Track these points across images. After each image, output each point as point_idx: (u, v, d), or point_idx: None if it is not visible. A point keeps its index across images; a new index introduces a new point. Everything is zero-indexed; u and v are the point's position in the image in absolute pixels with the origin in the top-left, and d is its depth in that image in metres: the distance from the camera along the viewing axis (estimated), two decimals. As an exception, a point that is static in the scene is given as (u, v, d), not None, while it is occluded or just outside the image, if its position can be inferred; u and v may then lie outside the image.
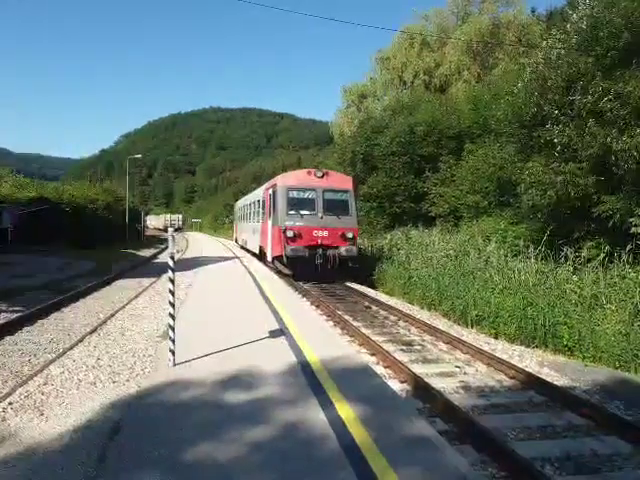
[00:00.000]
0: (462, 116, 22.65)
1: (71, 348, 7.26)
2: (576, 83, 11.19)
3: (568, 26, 12.15)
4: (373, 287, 16.26)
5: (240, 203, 32.17)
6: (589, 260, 10.40)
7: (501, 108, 15.28)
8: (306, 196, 15.64)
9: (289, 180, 16.26)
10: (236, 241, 35.09)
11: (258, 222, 20.23)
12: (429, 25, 33.92)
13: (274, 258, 16.18)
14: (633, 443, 4.57)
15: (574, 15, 12.06)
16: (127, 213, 39.27)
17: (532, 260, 11.45)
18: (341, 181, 16.56)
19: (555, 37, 12.65)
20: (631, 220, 9.91)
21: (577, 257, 10.63)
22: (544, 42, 13.47)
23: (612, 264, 9.83)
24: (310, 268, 14.97)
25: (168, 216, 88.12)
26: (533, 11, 33.46)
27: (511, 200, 15.95)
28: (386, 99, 34.62)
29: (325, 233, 15.16)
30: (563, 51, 12.03)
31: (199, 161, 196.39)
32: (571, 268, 10.43)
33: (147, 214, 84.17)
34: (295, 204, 15.55)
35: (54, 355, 6.89)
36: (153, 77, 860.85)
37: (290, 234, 14.85)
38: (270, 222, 16.62)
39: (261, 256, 19.85)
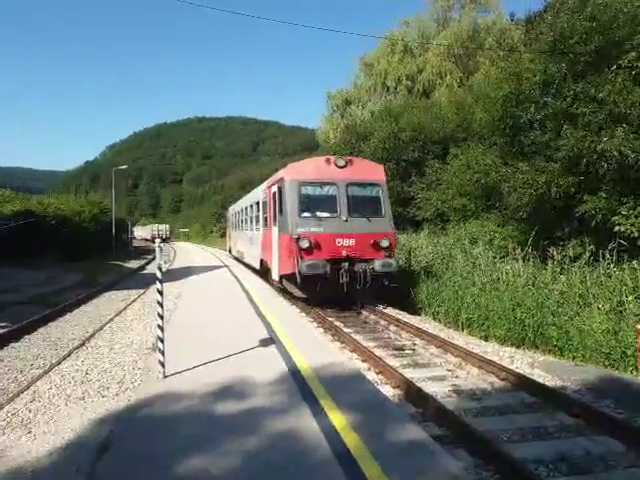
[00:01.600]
0: (446, 120, 22.84)
1: (59, 363, 7.17)
2: (550, 87, 11.45)
3: (542, 33, 12.43)
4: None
5: (234, 207, 27.54)
6: (575, 259, 10.53)
7: (483, 115, 15.48)
8: (324, 192, 11.91)
9: (301, 172, 12.13)
10: (230, 252, 31.28)
11: (258, 229, 16.35)
12: (411, 31, 34.20)
13: (282, 277, 12.34)
14: (625, 442, 4.60)
15: (546, 20, 12.36)
16: (114, 224, 38.94)
17: (519, 261, 11.55)
18: (370, 171, 12.60)
19: (530, 45, 12.95)
20: (614, 219, 10.07)
21: (563, 257, 10.75)
22: (522, 48, 13.75)
23: (597, 263, 9.96)
24: (332, 289, 11.24)
25: (155, 226, 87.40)
26: (512, 16, 33.94)
27: (497, 204, 16.10)
28: (370, 105, 34.80)
29: (351, 242, 11.43)
30: (538, 58, 12.31)
31: (185, 170, 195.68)
32: (558, 268, 10.55)
33: (134, 225, 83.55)
34: (310, 204, 11.79)
35: (41, 371, 6.79)
36: (137, 88, 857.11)
37: (305, 244, 11.13)
38: (276, 229, 12.77)
39: (263, 272, 15.94)
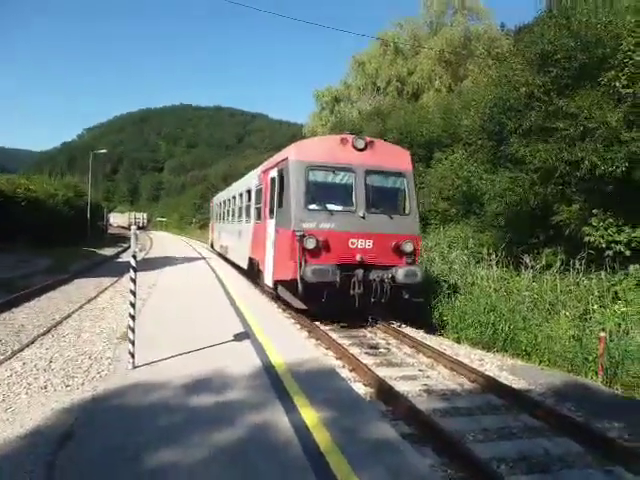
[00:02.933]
0: (433, 125, 23.03)
1: (21, 350, 6.94)
2: (532, 101, 11.66)
3: (529, 46, 12.65)
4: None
5: (220, 197, 24.75)
6: (548, 267, 10.79)
7: (470, 121, 15.69)
8: (338, 180, 9.65)
9: (309, 152, 9.75)
10: (212, 246, 28.44)
11: (249, 222, 14.00)
12: (403, 33, 34.37)
13: (278, 282, 10.21)
14: (583, 443, 4.75)
15: (535, 35, 12.57)
16: (89, 210, 38.10)
17: (494, 267, 11.75)
18: (394, 156, 10.25)
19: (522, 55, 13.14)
20: (584, 229, 10.36)
21: (537, 264, 10.99)
22: (508, 62, 13.94)
23: (568, 272, 10.24)
24: (340, 301, 9.12)
25: (132, 214, 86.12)
26: (502, 26, 34.38)
27: (477, 210, 16.34)
28: (360, 103, 34.90)
29: (369, 243, 9.32)
30: (523, 72, 12.52)
31: (167, 158, 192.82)
32: (530, 275, 10.78)
33: (111, 211, 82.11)
34: (319, 193, 9.55)
35: (1, 357, 6.56)
36: (122, 70, 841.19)
37: (311, 244, 8.95)
38: (272, 222, 10.59)
39: (252, 273, 13.61)
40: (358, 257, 9.18)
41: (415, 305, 10.05)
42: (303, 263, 8.86)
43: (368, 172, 9.67)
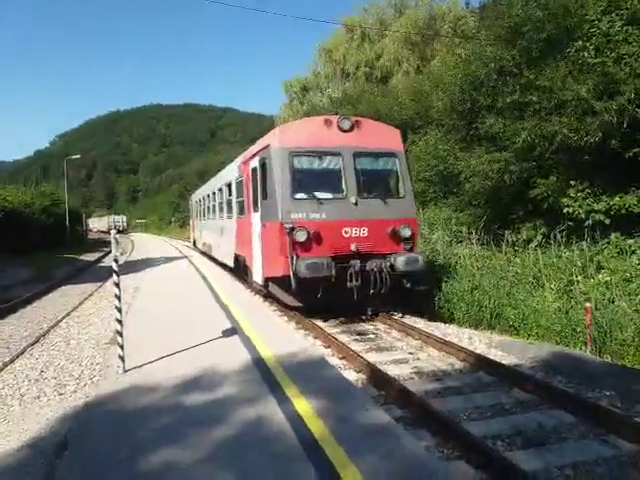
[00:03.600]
0: (404, 107, 23.07)
1: (11, 362, 6.89)
2: (505, 76, 11.75)
3: (497, 19, 12.72)
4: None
5: (199, 193, 24.03)
6: (529, 242, 10.95)
7: (442, 100, 15.74)
8: (325, 165, 9.06)
9: (292, 137, 9.06)
10: (194, 244, 27.80)
11: (231, 217, 13.40)
12: (369, 17, 34.23)
13: (268, 279, 9.66)
14: (575, 414, 4.84)
15: (501, 8, 12.65)
16: (67, 216, 37.49)
17: (475, 245, 11.89)
18: (384, 136, 9.64)
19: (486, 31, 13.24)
20: (563, 200, 10.51)
21: (517, 240, 11.15)
22: (476, 37, 14.04)
23: (549, 245, 10.39)
24: (337, 295, 8.58)
25: (112, 217, 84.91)
26: (467, 4, 34.56)
27: (454, 189, 16.47)
28: (329, 91, 34.77)
29: (364, 231, 8.79)
30: (492, 47, 12.58)
31: (141, 160, 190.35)
32: (512, 250, 10.94)
33: (89, 216, 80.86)
34: (306, 181, 8.98)
35: (-8, 371, 6.49)
36: (88, 74, 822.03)
37: (302, 236, 8.38)
38: (257, 216, 10.03)
39: (239, 271, 13.05)
40: (353, 247, 8.66)
41: (414, 293, 9.54)
42: (295, 257, 8.30)
43: (357, 155, 9.08)
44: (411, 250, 9.05)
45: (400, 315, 9.54)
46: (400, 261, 8.60)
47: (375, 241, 8.84)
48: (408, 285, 9.04)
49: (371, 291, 8.60)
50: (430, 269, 11.18)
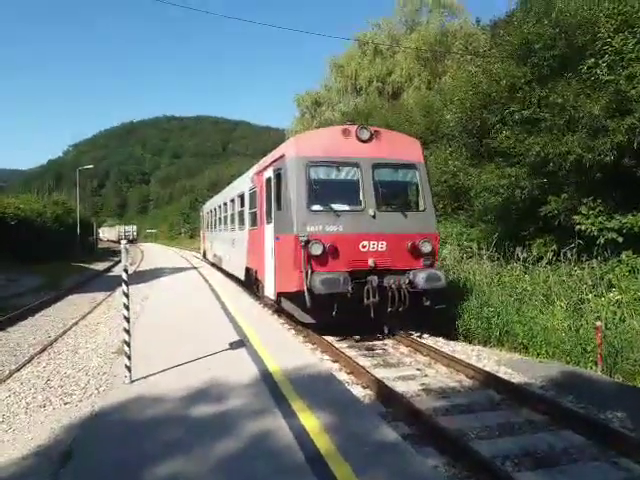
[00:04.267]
0: (415, 123, 23.16)
1: (18, 370, 6.92)
2: (516, 93, 11.75)
3: (509, 35, 12.76)
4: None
5: (210, 204, 23.84)
6: (540, 259, 10.84)
7: (452, 117, 15.77)
8: (343, 177, 8.72)
9: (309, 147, 8.79)
10: (204, 256, 27.52)
11: (243, 229, 13.12)
12: (381, 33, 34.58)
13: (281, 294, 9.26)
14: (586, 436, 4.74)
15: (513, 25, 12.71)
16: (78, 225, 37.90)
17: (485, 261, 11.80)
18: (404, 147, 9.32)
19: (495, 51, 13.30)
20: (575, 217, 10.42)
21: (528, 256, 11.05)
22: (488, 54, 14.09)
23: (560, 262, 10.28)
24: (352, 312, 8.07)
25: (122, 227, 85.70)
26: (478, 21, 34.72)
27: (465, 205, 16.43)
28: (341, 106, 35.01)
29: (382, 246, 8.41)
30: (502, 64, 12.62)
31: (153, 170, 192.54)
32: (522, 267, 10.83)
33: (100, 226, 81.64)
34: (323, 193, 8.57)
35: (-1, 378, 6.52)
36: (103, 86, 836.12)
37: (317, 250, 8.02)
38: (270, 228, 9.69)
39: (250, 284, 12.69)
40: (370, 262, 8.26)
41: (432, 311, 8.94)
42: (309, 272, 7.92)
43: (375, 166, 8.75)
44: (431, 266, 8.66)
45: (418, 335, 9.14)
46: (421, 278, 8.20)
47: (394, 256, 8.45)
48: (427, 303, 8.59)
49: (389, 309, 8.19)
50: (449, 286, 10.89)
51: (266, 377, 5.45)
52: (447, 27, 31.94)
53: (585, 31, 10.56)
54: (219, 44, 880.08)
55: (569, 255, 10.10)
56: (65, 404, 5.17)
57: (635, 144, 9.20)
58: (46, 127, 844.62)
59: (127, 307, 5.42)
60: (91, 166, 59.63)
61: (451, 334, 9.88)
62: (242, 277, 13.24)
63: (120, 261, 5.98)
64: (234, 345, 7.00)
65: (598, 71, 9.82)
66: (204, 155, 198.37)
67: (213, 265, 22.93)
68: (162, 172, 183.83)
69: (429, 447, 4.53)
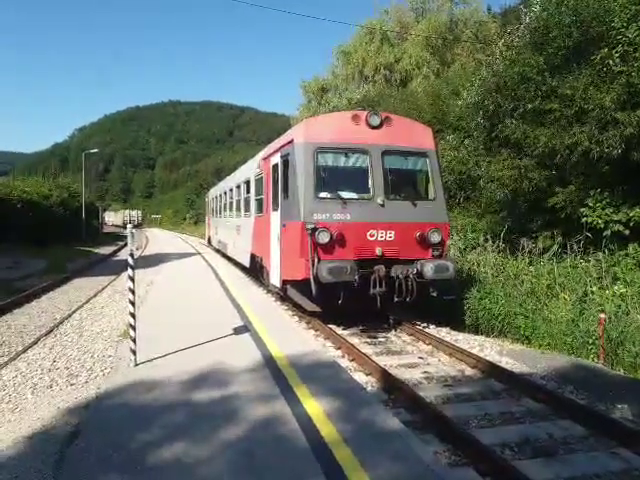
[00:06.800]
0: (422, 111, 22.97)
1: (25, 351, 7.00)
2: (529, 82, 11.57)
3: (522, 26, 12.54)
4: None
5: (216, 190, 23.49)
6: (545, 251, 10.81)
7: (467, 97, 15.55)
8: (351, 163, 8.56)
9: (318, 133, 8.55)
10: (209, 242, 27.39)
11: (248, 216, 12.96)
12: (389, 20, 34.22)
13: (287, 282, 9.04)
14: (586, 426, 4.78)
15: (527, 15, 12.46)
16: (84, 209, 38.00)
17: (490, 253, 11.78)
18: (415, 134, 9.12)
19: (510, 36, 13.05)
20: (581, 210, 10.37)
21: (534, 248, 11.02)
22: (501, 41, 13.84)
23: (566, 254, 10.26)
24: (359, 301, 8.07)
25: (127, 212, 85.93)
26: (489, 9, 34.31)
27: (471, 195, 16.35)
28: (347, 93, 34.74)
29: (390, 235, 8.26)
30: (517, 50, 12.41)
31: (158, 155, 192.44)
32: (527, 259, 10.82)
33: (105, 210, 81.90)
34: (330, 180, 8.46)
35: (6, 359, 6.61)
36: (108, 70, 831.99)
37: (324, 238, 7.89)
38: (277, 215, 9.53)
39: (255, 270, 12.66)
40: (378, 251, 8.12)
41: (439, 302, 8.92)
42: (316, 260, 7.78)
43: (385, 153, 8.53)
44: (440, 256, 8.51)
45: (422, 325, 9.08)
46: (429, 268, 8.06)
47: (402, 246, 8.30)
48: (434, 294, 8.49)
49: (395, 299, 8.11)
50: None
51: (270, 363, 5.49)
52: (457, 15, 31.57)
53: (601, 22, 10.38)
54: (225, 29, 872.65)
55: (575, 248, 10.08)
56: (71, 385, 5.24)
57: None
58: (51, 111, 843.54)
59: (133, 291, 5.45)
60: (96, 150, 59.61)
61: (455, 325, 9.92)
62: (247, 264, 13.17)
63: (125, 245, 6.00)
64: (238, 331, 7.05)
65: (610, 62, 9.68)
66: (209, 141, 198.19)
67: (218, 251, 22.90)
68: (167, 157, 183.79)
69: (430, 434, 4.58)
